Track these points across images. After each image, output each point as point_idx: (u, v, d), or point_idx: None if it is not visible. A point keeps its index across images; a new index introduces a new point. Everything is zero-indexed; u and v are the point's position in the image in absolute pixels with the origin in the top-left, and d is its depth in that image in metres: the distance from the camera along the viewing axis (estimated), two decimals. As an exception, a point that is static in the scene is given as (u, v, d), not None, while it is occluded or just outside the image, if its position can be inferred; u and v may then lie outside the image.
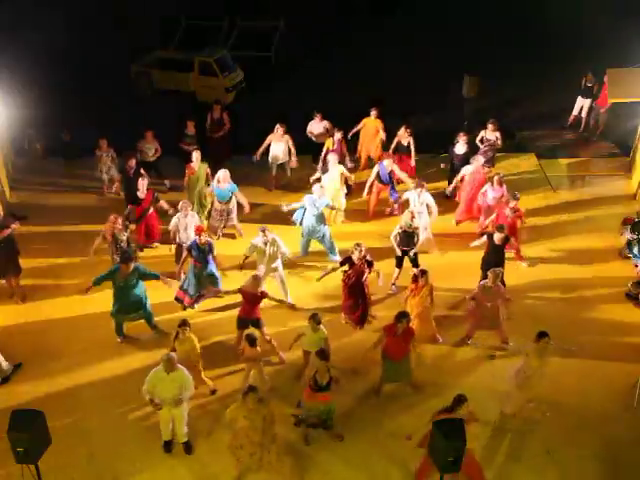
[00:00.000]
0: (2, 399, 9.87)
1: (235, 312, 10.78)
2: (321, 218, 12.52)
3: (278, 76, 19.87)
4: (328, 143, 14.40)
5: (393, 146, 14.57)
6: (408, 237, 11.62)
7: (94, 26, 20.83)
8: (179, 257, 11.85)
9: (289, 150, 14.55)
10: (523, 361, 9.32)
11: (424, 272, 10.60)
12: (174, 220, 12.02)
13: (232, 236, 13.55)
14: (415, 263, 11.82)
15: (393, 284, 12.10)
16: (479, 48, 20.18)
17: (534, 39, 20.76)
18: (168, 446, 9.32)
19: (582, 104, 17.00)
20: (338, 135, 14.36)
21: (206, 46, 19.74)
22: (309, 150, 15.16)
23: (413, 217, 11.63)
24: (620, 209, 14.14)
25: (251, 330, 10.35)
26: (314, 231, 12.57)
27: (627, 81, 14.10)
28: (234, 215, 13.33)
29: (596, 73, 16.39)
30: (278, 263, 11.49)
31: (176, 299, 11.64)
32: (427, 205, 12.48)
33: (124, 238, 11.71)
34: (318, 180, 13.50)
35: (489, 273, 10.43)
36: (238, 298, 10.60)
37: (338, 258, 12.20)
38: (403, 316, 9.44)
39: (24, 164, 15.74)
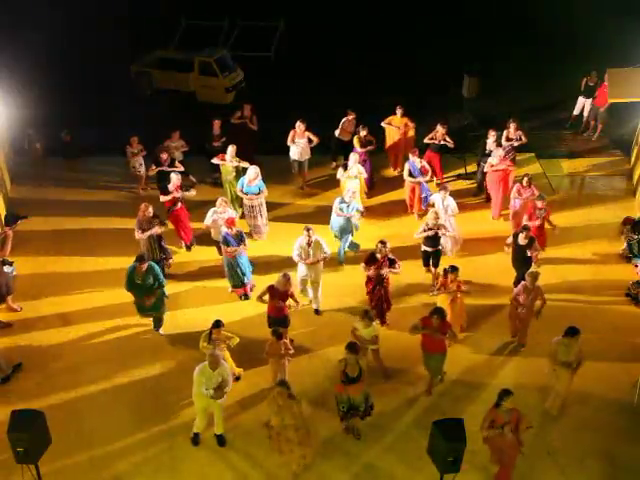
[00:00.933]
0: (2, 399, 9.87)
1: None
2: (349, 221, 12.52)
3: (278, 76, 19.87)
4: (355, 141, 14.43)
5: (426, 142, 14.61)
6: (432, 237, 11.68)
7: (94, 26, 20.82)
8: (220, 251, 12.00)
9: (310, 149, 14.58)
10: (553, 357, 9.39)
11: (454, 268, 10.63)
12: (209, 216, 12.07)
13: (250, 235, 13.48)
14: (436, 262, 11.87)
15: (433, 285, 11.90)
16: (479, 48, 20.19)
17: (534, 39, 20.75)
18: (197, 438, 9.40)
19: (583, 104, 16.99)
20: (364, 132, 14.34)
21: (206, 46, 19.74)
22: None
23: (437, 217, 11.66)
24: (620, 209, 14.15)
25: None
26: (344, 232, 12.56)
27: (627, 81, 14.09)
28: (261, 214, 13.25)
29: (597, 73, 16.38)
30: (320, 269, 11.39)
31: (241, 296, 11.82)
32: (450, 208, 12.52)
33: (158, 230, 11.71)
34: (344, 167, 13.56)
35: (527, 276, 10.44)
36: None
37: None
38: (436, 312, 9.51)
39: (24, 164, 15.72)
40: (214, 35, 21.22)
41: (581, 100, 16.99)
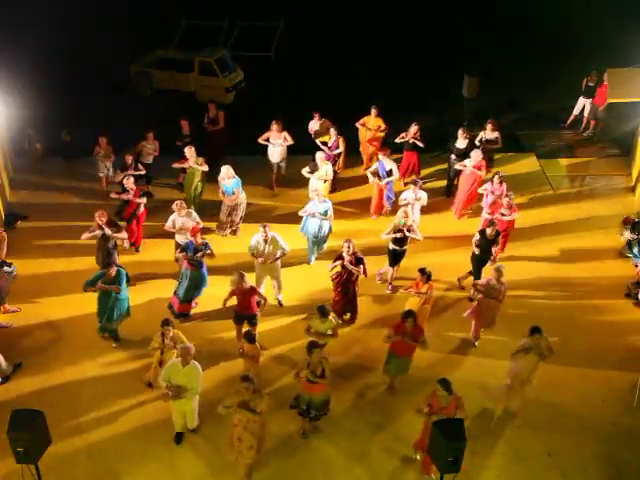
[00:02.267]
0: (2, 398, 9.87)
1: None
2: (323, 223, 12.45)
3: (278, 76, 19.86)
4: (325, 139, 14.47)
5: (397, 141, 14.57)
6: (401, 236, 11.69)
7: (94, 26, 20.81)
8: (178, 259, 11.77)
9: (287, 147, 14.55)
10: (521, 357, 9.29)
11: (424, 271, 10.59)
12: (170, 220, 11.93)
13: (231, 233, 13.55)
14: (399, 261, 11.92)
15: (390, 284, 12.15)
16: (479, 48, 20.19)
17: (534, 39, 20.76)
18: (180, 437, 9.41)
19: (584, 104, 16.99)
20: (334, 132, 14.33)
21: (206, 46, 19.73)
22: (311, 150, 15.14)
23: (407, 216, 11.68)
24: (620, 209, 14.16)
25: (246, 325, 10.46)
26: (317, 236, 12.52)
27: (627, 81, 14.09)
28: (240, 212, 13.31)
29: (597, 73, 16.37)
30: (276, 262, 11.43)
31: (169, 306, 11.50)
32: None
33: (111, 235, 11.56)
34: (312, 166, 13.48)
35: (493, 271, 10.45)
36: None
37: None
38: (408, 315, 9.49)
39: (24, 164, 15.72)
40: (214, 35, 21.20)
41: (581, 100, 16.99)
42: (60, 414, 9.45)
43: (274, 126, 14.32)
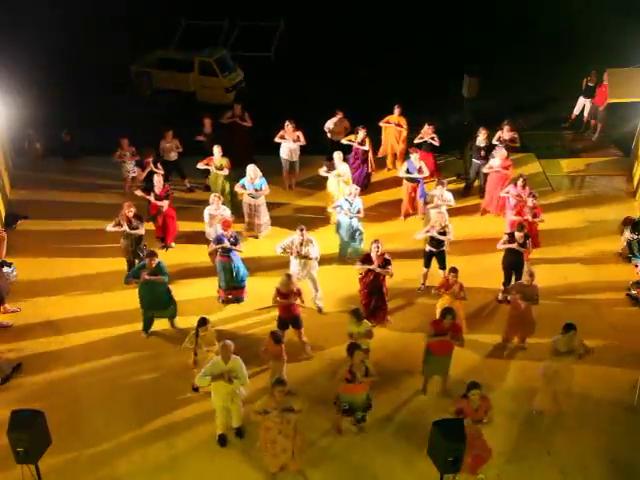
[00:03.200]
0: (2, 399, 9.86)
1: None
2: (355, 220, 12.42)
3: (278, 76, 19.87)
4: (351, 137, 14.44)
5: (416, 142, 14.58)
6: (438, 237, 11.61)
7: (94, 26, 20.82)
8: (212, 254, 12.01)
9: (300, 148, 14.55)
10: (550, 356, 9.31)
11: (454, 270, 10.59)
12: (205, 214, 12.17)
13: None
14: (443, 264, 11.78)
15: (423, 284, 12.06)
16: (479, 48, 20.20)
17: (534, 39, 20.77)
18: (223, 440, 9.32)
19: (584, 104, 17.00)
20: (362, 133, 14.28)
21: (206, 46, 19.74)
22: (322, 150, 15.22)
23: (443, 217, 11.64)
24: (620, 209, 14.15)
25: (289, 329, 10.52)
26: (348, 231, 12.48)
27: (627, 81, 14.10)
28: (261, 212, 13.30)
29: (597, 73, 16.38)
30: (313, 264, 11.39)
31: (219, 298, 11.81)
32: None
33: (137, 230, 11.70)
34: (329, 166, 13.49)
35: (525, 274, 10.38)
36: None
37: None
38: (448, 312, 9.46)
39: (24, 164, 15.72)
40: (214, 35, 21.23)
41: (581, 100, 17.00)
42: (60, 414, 9.43)
43: (288, 125, 14.31)
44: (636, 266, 12.56)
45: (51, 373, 10.48)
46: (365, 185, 14.69)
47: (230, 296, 11.77)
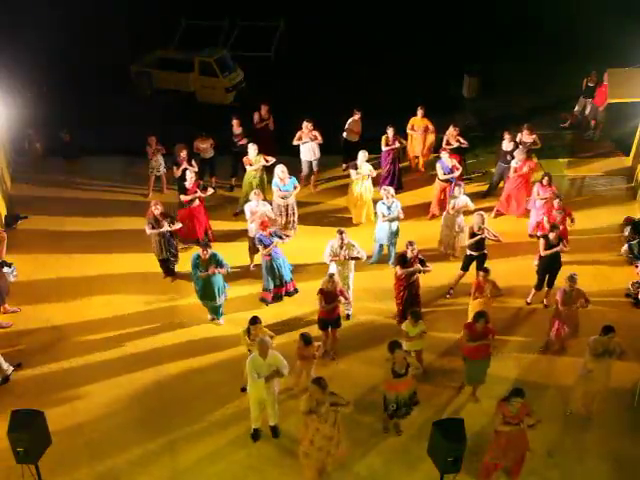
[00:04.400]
0: (2, 399, 9.86)
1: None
2: (395, 223, 12.30)
3: (278, 76, 19.87)
4: (383, 140, 14.35)
5: (444, 144, 14.51)
6: (479, 240, 11.46)
7: (94, 26, 20.82)
8: (252, 249, 12.12)
9: (318, 145, 14.50)
10: (587, 356, 9.32)
11: (486, 270, 10.56)
12: (246, 210, 12.13)
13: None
14: (482, 266, 11.33)
15: (451, 288, 12.00)
16: (479, 48, 20.20)
17: (534, 39, 20.77)
18: (257, 434, 9.37)
19: (584, 104, 17.00)
20: (391, 132, 14.25)
21: (206, 46, 19.74)
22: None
23: (483, 219, 11.44)
24: (620, 209, 14.15)
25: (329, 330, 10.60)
26: (388, 236, 12.35)
27: (627, 81, 14.10)
28: (293, 212, 13.23)
29: (597, 73, 16.38)
30: (350, 268, 11.31)
31: (261, 300, 11.74)
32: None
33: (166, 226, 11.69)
34: (355, 167, 13.42)
35: (567, 279, 10.28)
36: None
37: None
38: (480, 316, 9.40)
39: (24, 164, 15.72)
40: (214, 35, 21.21)
41: (582, 101, 17.01)
42: (60, 414, 9.45)
43: (306, 125, 14.26)
44: (636, 266, 12.56)
45: (51, 373, 10.47)
46: (400, 184, 14.66)
47: (281, 293, 11.77)
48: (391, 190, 12.34)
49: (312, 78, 19.15)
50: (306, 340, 9.57)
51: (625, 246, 12.93)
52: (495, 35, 21.03)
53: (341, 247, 11.01)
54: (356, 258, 11.14)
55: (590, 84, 16.61)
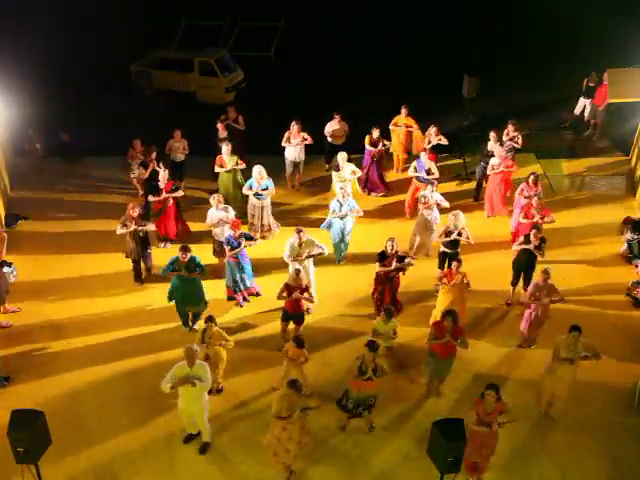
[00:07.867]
0: (2, 399, 9.86)
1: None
2: (349, 221, 12.44)
3: (278, 76, 19.86)
4: (366, 140, 14.42)
5: (427, 145, 14.56)
6: (454, 239, 11.56)
7: (94, 26, 20.82)
8: (217, 252, 12.18)
9: (305, 149, 14.53)
10: (552, 356, 9.34)
11: (459, 260, 10.62)
12: (209, 215, 12.09)
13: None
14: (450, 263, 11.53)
15: (437, 285, 11.87)
16: (479, 48, 20.20)
17: (534, 39, 20.77)
18: (189, 439, 9.36)
19: (584, 104, 16.99)
20: (376, 133, 14.31)
21: (206, 46, 19.74)
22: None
23: (458, 218, 11.55)
24: (620, 209, 14.15)
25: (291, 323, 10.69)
26: (339, 233, 12.47)
27: (627, 81, 14.10)
28: (268, 212, 13.28)
29: (597, 73, 16.37)
30: (310, 264, 11.43)
31: (229, 298, 11.76)
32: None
33: (145, 227, 11.76)
34: (337, 168, 13.46)
35: (541, 273, 10.33)
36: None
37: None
38: (448, 314, 9.41)
39: (24, 164, 15.72)
40: (214, 35, 21.21)
41: (582, 101, 17.01)
42: (60, 414, 9.44)
43: (294, 126, 14.28)
44: (636, 266, 12.56)
45: (51, 373, 10.47)
46: (385, 185, 14.80)
47: (245, 295, 11.79)
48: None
49: (312, 78, 19.15)
50: (298, 343, 9.55)
51: (625, 246, 12.94)
52: (495, 35, 21.03)
53: (300, 245, 11.09)
54: (319, 254, 11.25)
55: (590, 84, 16.60)
